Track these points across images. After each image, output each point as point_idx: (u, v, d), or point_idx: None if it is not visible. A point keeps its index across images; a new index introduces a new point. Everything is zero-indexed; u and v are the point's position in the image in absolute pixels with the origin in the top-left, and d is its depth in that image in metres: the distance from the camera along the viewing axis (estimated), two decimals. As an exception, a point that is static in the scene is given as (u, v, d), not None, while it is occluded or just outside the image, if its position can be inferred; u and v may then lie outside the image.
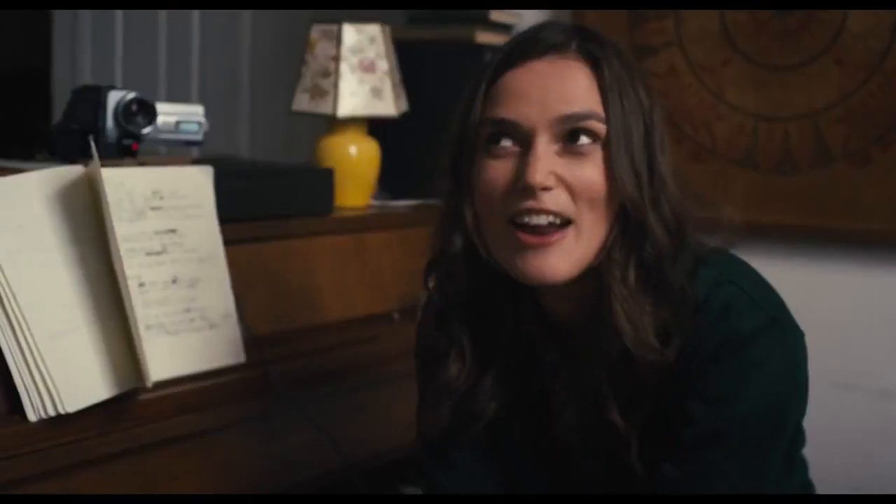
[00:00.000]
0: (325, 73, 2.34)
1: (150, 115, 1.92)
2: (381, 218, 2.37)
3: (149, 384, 1.58)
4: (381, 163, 2.43)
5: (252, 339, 1.84)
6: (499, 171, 1.28)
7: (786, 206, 2.48)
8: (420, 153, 2.58)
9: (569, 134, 1.26)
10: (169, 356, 1.71)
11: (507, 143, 1.28)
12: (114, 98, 1.89)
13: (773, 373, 1.25)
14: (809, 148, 2.46)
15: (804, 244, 2.38)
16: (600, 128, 1.26)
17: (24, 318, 1.49)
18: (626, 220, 1.27)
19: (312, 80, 2.35)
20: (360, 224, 2.28)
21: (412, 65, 2.54)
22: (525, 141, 1.27)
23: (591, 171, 1.26)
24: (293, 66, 2.41)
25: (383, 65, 2.37)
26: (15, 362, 1.48)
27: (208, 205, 1.83)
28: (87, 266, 1.60)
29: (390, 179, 2.52)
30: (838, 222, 2.44)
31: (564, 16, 2.68)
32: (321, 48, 2.35)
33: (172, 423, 1.66)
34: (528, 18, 2.79)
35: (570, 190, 1.25)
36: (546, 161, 1.24)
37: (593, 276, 1.30)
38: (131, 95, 1.90)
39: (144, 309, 1.70)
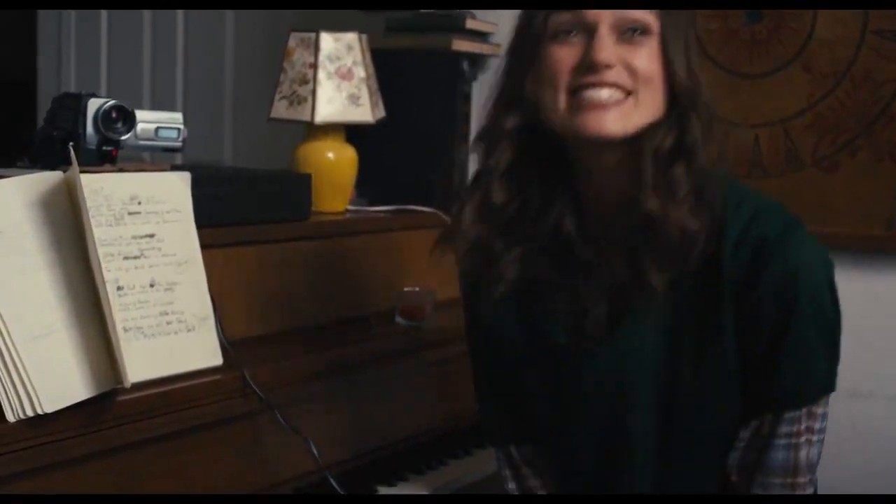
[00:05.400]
0: (303, 81, 2.37)
1: (130, 122, 1.94)
2: (358, 223, 2.41)
3: (127, 385, 1.59)
4: (358, 169, 2.47)
5: (229, 342, 1.87)
6: (565, 53, 1.45)
7: (757, 211, 2.52)
8: (397, 159, 2.66)
9: (626, 28, 1.44)
10: (146, 358, 1.73)
11: (572, 33, 1.44)
12: (94, 105, 1.91)
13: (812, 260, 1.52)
14: (779, 154, 2.50)
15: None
16: (653, 22, 1.44)
17: (3, 320, 1.51)
18: (670, 109, 1.46)
19: (290, 87, 2.39)
20: (337, 229, 2.32)
21: (389, 72, 2.57)
22: (588, 32, 1.44)
23: (646, 56, 1.44)
24: (275, 74, 2.45)
25: (360, 72, 2.40)
26: (-6, 363, 1.51)
27: (186, 210, 1.85)
28: (67, 270, 1.62)
29: (367, 185, 2.55)
30: (808, 226, 2.48)
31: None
32: (299, 56, 2.38)
33: (149, 424, 1.68)
34: (504, 26, 2.82)
35: (629, 69, 1.43)
36: (609, 43, 1.43)
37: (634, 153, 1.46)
38: (111, 103, 1.92)
39: (122, 312, 1.72)
